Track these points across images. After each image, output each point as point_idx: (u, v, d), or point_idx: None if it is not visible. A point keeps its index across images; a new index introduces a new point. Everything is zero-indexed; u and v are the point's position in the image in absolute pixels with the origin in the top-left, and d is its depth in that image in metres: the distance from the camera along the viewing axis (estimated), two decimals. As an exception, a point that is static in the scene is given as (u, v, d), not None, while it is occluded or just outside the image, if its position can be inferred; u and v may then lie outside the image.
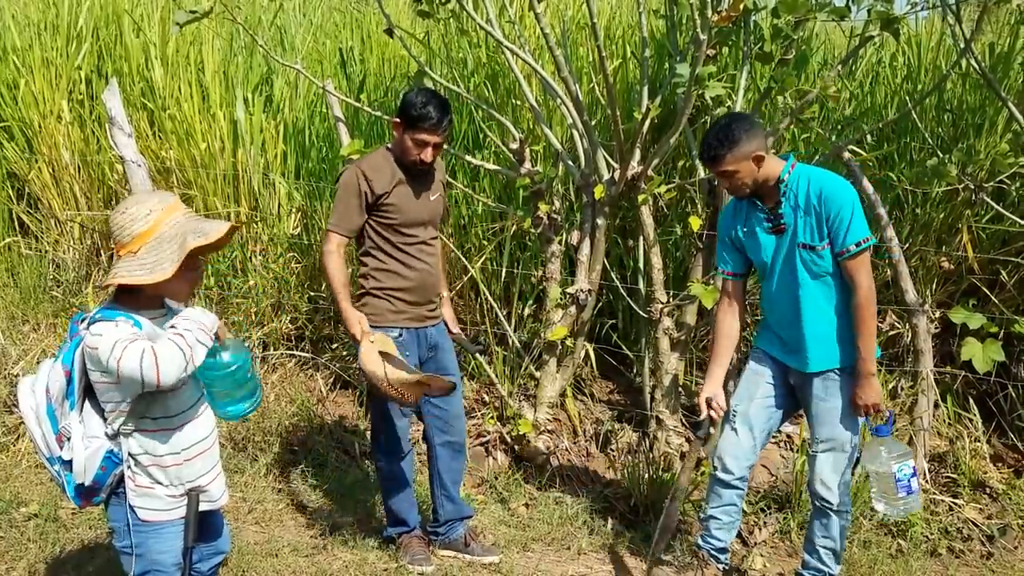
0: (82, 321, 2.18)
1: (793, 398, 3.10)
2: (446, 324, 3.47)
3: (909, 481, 2.86)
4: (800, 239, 2.86)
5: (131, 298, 2.20)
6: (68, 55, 5.55)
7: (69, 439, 2.18)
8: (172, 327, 2.14)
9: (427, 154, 3.13)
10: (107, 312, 2.16)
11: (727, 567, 3.24)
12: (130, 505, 2.25)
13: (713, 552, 3.20)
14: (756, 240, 2.99)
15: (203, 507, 2.35)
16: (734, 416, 3.12)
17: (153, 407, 2.21)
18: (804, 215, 2.84)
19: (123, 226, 2.15)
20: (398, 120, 3.15)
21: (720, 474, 3.13)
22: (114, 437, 2.20)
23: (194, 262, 2.21)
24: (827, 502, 2.98)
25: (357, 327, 3.10)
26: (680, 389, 4.17)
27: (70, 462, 2.19)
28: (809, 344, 2.93)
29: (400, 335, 3.22)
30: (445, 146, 3.26)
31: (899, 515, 2.96)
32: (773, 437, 4.21)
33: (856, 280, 2.81)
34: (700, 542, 3.23)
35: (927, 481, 3.91)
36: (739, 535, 3.74)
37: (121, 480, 2.24)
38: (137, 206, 2.17)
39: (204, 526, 2.42)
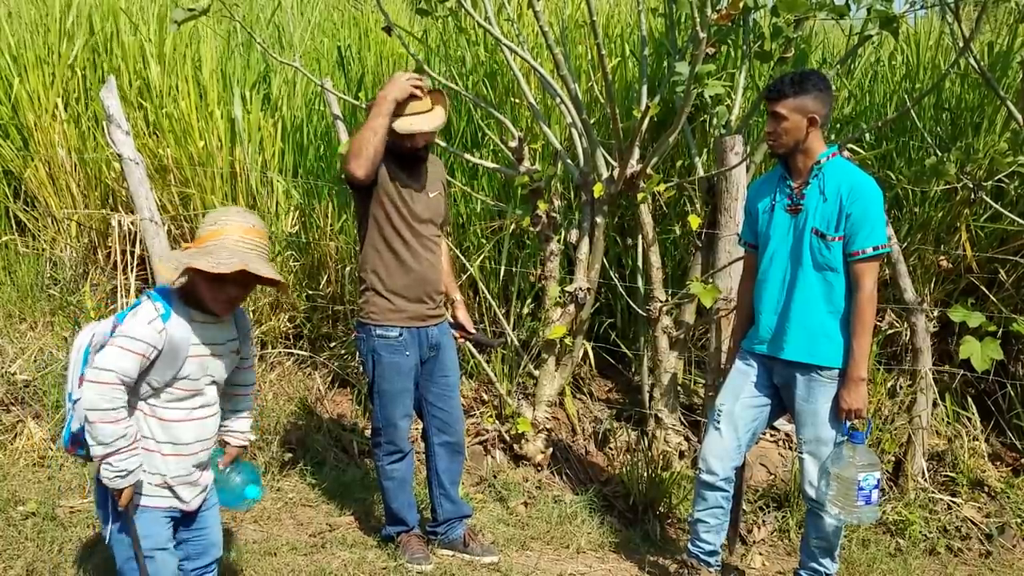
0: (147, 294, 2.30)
1: (779, 398, 3.09)
2: (463, 327, 3.47)
3: (871, 492, 2.82)
4: (813, 223, 2.86)
5: (190, 295, 2.29)
6: (60, 54, 5.53)
7: None
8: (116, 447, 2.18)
9: (418, 140, 3.14)
10: (157, 293, 2.27)
11: (719, 568, 3.23)
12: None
13: (703, 556, 3.19)
14: (772, 216, 2.99)
15: (160, 503, 2.35)
16: (718, 416, 3.11)
17: (164, 394, 2.27)
18: (825, 203, 2.84)
19: (200, 226, 2.31)
20: None
21: (704, 476, 3.12)
22: None
23: (223, 283, 2.24)
24: (815, 502, 2.98)
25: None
26: (679, 388, 4.17)
27: (77, 403, 2.27)
28: (791, 330, 2.92)
29: (400, 335, 3.21)
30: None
31: (852, 522, 2.94)
32: (772, 436, 4.21)
33: (861, 282, 2.81)
34: (690, 547, 3.23)
35: (926, 480, 3.92)
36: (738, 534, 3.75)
37: None
38: (215, 214, 2.31)
39: (184, 525, 2.44)
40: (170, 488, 2.33)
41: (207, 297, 2.27)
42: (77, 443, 2.30)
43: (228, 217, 2.28)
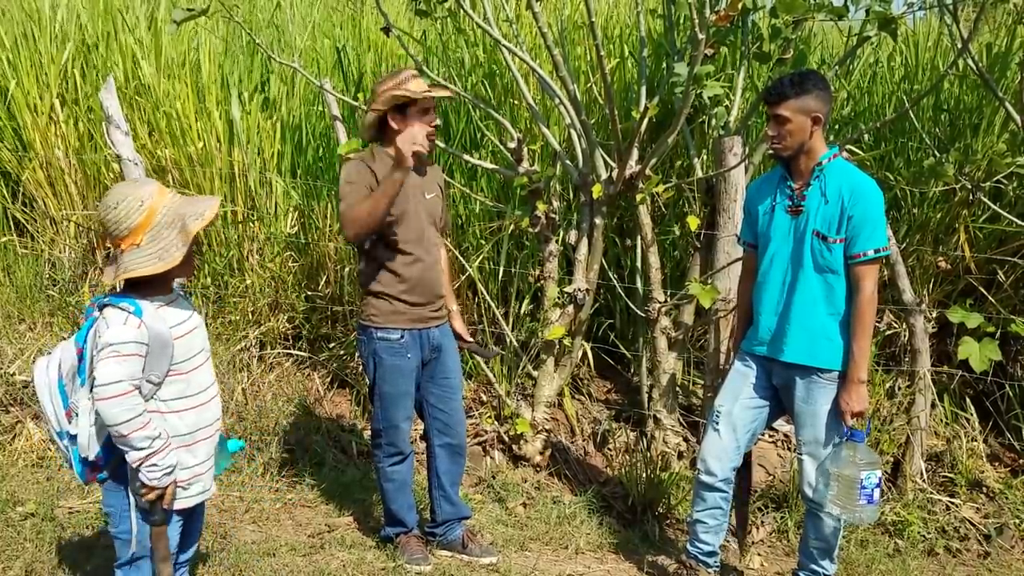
0: (98, 305, 2.26)
1: (778, 400, 3.09)
2: (459, 335, 3.47)
3: (872, 491, 2.81)
4: (814, 225, 2.85)
5: (141, 286, 2.26)
6: (52, 56, 5.52)
7: (78, 414, 2.25)
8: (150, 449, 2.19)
9: (429, 136, 3.15)
10: (115, 298, 2.23)
11: (717, 569, 3.24)
12: (129, 491, 2.28)
13: (702, 557, 3.19)
14: (772, 217, 2.98)
15: (195, 500, 2.38)
16: (717, 416, 3.11)
17: (169, 388, 2.27)
18: (826, 204, 2.83)
19: (118, 221, 2.20)
20: (394, 114, 3.12)
21: (703, 476, 3.12)
22: None
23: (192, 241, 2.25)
24: (814, 503, 2.98)
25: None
26: (678, 388, 4.18)
27: (76, 437, 2.26)
28: (791, 332, 2.92)
29: (401, 337, 3.21)
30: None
31: (852, 521, 2.94)
32: (770, 436, 4.22)
33: (862, 284, 2.81)
34: (689, 547, 3.23)
35: (924, 480, 3.92)
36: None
37: (123, 462, 2.26)
38: (129, 199, 2.21)
39: (193, 520, 2.47)
40: (188, 484, 2.33)
41: (186, 261, 2.24)
42: (96, 468, 2.30)
43: (144, 191, 2.22)
